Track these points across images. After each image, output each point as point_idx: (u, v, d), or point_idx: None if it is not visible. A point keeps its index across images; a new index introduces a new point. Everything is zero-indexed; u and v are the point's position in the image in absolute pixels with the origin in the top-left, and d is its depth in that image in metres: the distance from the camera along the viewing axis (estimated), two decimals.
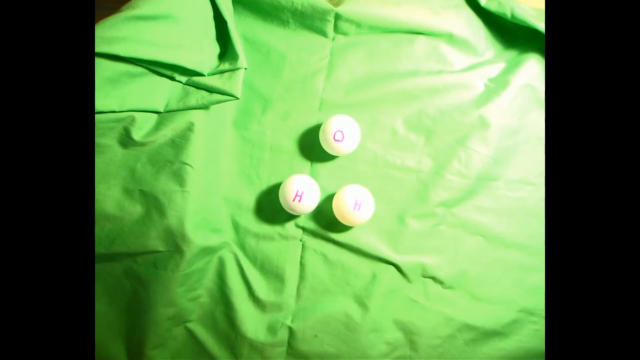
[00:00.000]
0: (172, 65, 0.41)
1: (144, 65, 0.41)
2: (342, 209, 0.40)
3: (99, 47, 0.37)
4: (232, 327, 0.42)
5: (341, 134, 0.40)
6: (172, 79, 0.43)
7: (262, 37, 0.46)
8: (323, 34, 0.46)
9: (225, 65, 0.43)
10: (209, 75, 0.43)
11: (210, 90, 0.42)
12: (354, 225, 0.42)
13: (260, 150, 0.45)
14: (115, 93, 0.40)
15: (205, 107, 0.42)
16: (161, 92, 0.42)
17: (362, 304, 0.42)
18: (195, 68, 0.42)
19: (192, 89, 0.43)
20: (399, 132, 0.45)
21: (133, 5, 0.40)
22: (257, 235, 0.44)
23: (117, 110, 0.40)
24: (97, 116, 0.40)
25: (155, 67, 0.41)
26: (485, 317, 0.42)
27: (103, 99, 0.39)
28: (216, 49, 0.46)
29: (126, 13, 0.39)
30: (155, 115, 0.43)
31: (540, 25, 0.43)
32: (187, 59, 0.41)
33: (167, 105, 0.42)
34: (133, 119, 0.41)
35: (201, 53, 0.43)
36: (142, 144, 0.41)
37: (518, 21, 0.44)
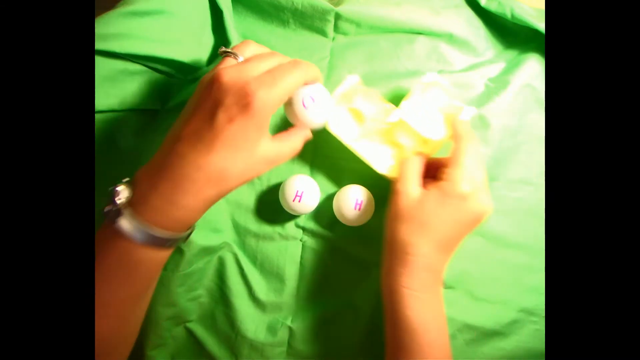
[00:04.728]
0: (169, 60, 0.41)
1: (141, 62, 0.41)
2: (343, 208, 0.40)
3: (95, 45, 0.37)
4: (232, 327, 0.42)
5: (310, 98, 0.33)
6: (171, 76, 0.43)
7: (262, 37, 0.46)
8: (323, 33, 0.46)
9: None
10: (207, 69, 0.43)
11: None
12: (354, 225, 0.42)
13: None
14: (115, 92, 0.40)
15: None
16: (160, 89, 0.42)
17: (363, 304, 0.42)
18: (193, 63, 0.42)
19: (192, 86, 0.43)
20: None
21: (128, 2, 0.40)
22: (257, 235, 0.44)
23: (117, 109, 0.40)
24: (96, 116, 0.40)
25: (153, 63, 0.41)
26: (485, 317, 0.42)
27: (104, 98, 0.39)
28: (213, 42, 0.45)
29: (121, 9, 0.39)
30: (154, 113, 0.43)
31: (540, 25, 0.43)
32: (184, 53, 0.41)
33: (167, 103, 0.42)
34: (132, 118, 0.41)
35: (199, 47, 0.43)
36: (142, 144, 0.41)
37: (518, 21, 0.44)
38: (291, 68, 0.28)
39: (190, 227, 0.31)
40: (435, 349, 0.32)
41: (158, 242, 0.28)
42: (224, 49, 0.29)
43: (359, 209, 0.39)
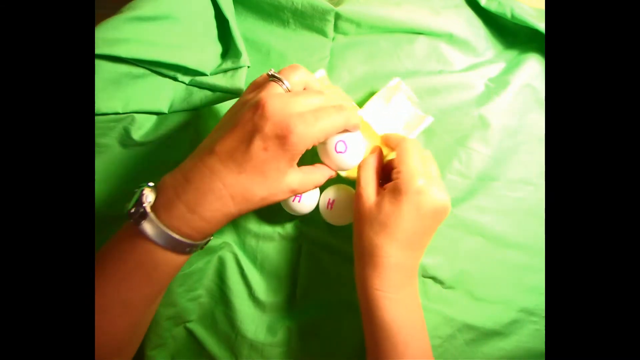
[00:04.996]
0: (174, 65, 0.41)
1: (146, 66, 0.41)
2: (320, 208, 0.41)
3: (100, 49, 0.37)
4: (232, 327, 0.42)
5: (343, 144, 0.34)
6: (175, 79, 0.43)
7: (262, 37, 0.46)
8: (323, 33, 0.46)
9: (228, 64, 0.43)
10: (211, 74, 0.43)
11: (213, 89, 0.42)
12: (338, 224, 0.41)
13: None
14: (119, 95, 0.40)
15: (209, 106, 0.42)
16: (164, 93, 0.42)
17: None
18: (198, 68, 0.42)
19: (195, 89, 0.43)
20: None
21: (134, 7, 0.40)
22: (257, 235, 0.44)
23: (120, 112, 0.41)
24: (97, 117, 0.40)
25: (158, 67, 0.41)
26: (485, 317, 0.42)
27: (107, 101, 0.40)
28: (218, 48, 0.46)
29: (127, 14, 0.39)
30: (155, 115, 0.43)
31: (540, 25, 0.43)
32: (189, 58, 0.42)
33: (171, 106, 0.42)
34: (133, 119, 0.41)
35: (203, 52, 0.44)
36: (142, 144, 0.41)
37: (518, 21, 0.44)
38: (334, 113, 0.29)
39: (209, 236, 0.32)
40: (411, 347, 0.32)
41: (178, 248, 0.29)
42: (272, 72, 0.30)
43: (330, 208, 0.40)
